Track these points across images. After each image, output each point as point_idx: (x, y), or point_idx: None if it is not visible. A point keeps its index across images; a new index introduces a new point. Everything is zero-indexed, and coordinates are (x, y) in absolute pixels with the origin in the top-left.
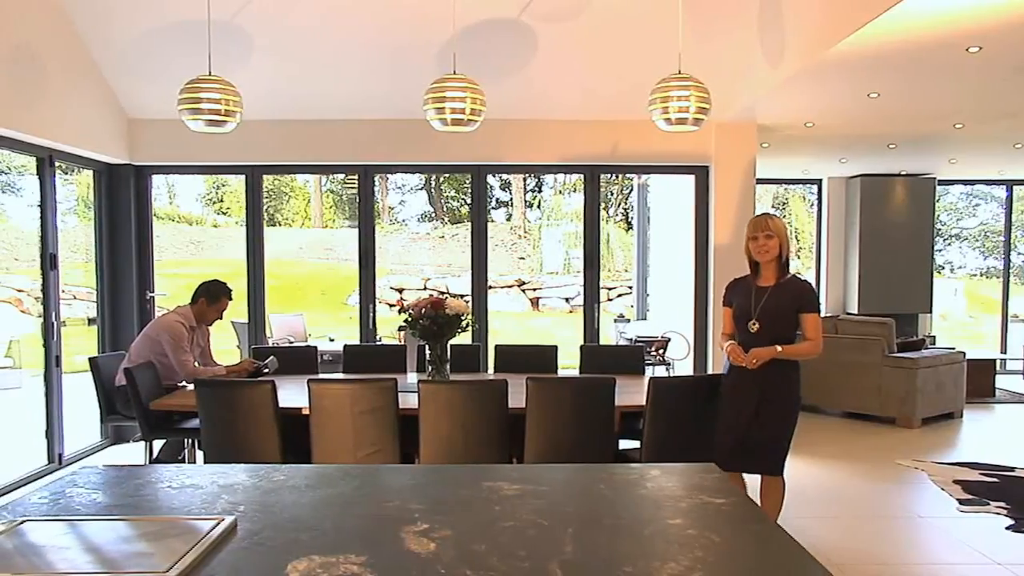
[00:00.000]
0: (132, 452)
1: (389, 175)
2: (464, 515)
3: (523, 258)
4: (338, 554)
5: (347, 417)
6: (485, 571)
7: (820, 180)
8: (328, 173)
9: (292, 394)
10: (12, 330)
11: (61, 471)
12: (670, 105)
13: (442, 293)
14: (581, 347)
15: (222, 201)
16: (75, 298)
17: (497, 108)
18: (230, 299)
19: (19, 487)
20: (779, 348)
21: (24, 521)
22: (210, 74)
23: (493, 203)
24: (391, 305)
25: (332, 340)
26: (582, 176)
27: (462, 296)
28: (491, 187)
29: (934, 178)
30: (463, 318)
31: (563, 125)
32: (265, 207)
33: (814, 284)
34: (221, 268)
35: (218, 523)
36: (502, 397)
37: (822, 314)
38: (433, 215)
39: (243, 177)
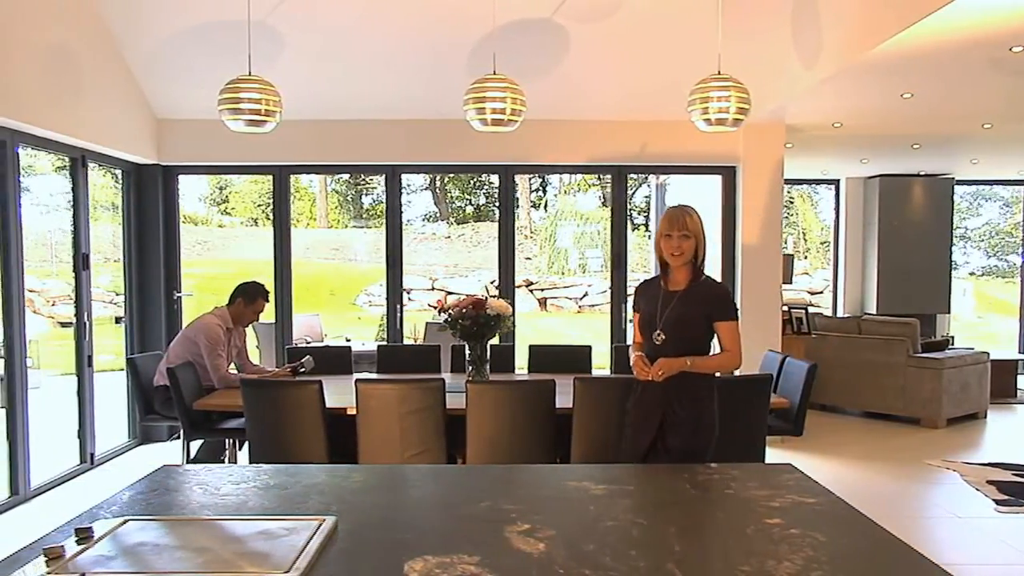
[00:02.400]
0: (162, 452)
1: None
2: (561, 515)
3: (529, 258)
4: (450, 554)
5: (394, 417)
6: (604, 571)
7: (838, 180)
8: (355, 173)
9: (330, 394)
10: (27, 331)
11: (94, 471)
12: (710, 106)
13: (439, 293)
14: (614, 347)
15: (227, 201)
16: None
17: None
18: (267, 301)
19: (54, 487)
20: (688, 361)
21: (127, 521)
22: (250, 74)
23: (497, 204)
24: (400, 305)
25: (348, 340)
26: (609, 176)
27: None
28: (495, 187)
29: (952, 178)
30: (505, 319)
31: (592, 125)
32: (270, 207)
33: (832, 284)
34: (228, 268)
35: (321, 523)
36: (550, 397)
37: (845, 315)
38: (438, 215)
39: (268, 177)
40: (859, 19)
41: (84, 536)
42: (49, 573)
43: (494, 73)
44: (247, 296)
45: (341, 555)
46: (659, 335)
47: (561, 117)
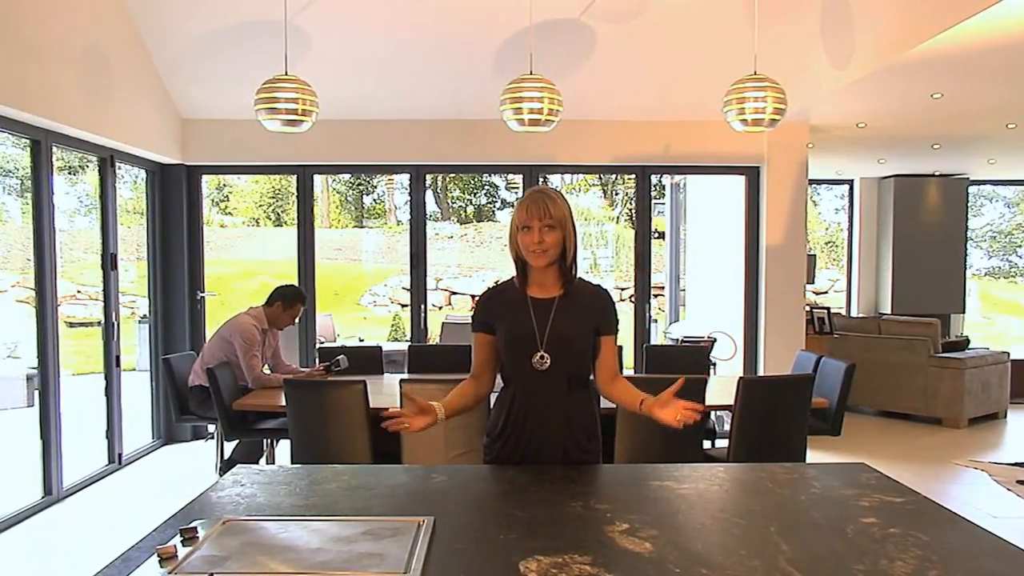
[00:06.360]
0: (187, 452)
1: (395, 175)
2: (656, 514)
3: None
4: (561, 554)
5: None
6: (720, 570)
7: (851, 180)
8: (379, 174)
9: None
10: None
11: (123, 471)
12: (746, 106)
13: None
14: (646, 347)
15: (227, 201)
16: (90, 299)
17: None
18: (304, 306)
19: (85, 487)
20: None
21: (228, 521)
22: (286, 74)
23: (498, 204)
24: (403, 305)
25: (361, 340)
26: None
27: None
28: (496, 187)
29: (967, 178)
30: None
31: (616, 125)
32: (272, 208)
33: (845, 284)
34: (232, 268)
35: (421, 523)
36: (596, 398)
37: (860, 315)
38: (439, 216)
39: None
40: (895, 20)
41: (190, 536)
42: (170, 573)
43: (531, 73)
44: (286, 300)
45: (451, 555)
46: (543, 358)
47: (585, 117)
